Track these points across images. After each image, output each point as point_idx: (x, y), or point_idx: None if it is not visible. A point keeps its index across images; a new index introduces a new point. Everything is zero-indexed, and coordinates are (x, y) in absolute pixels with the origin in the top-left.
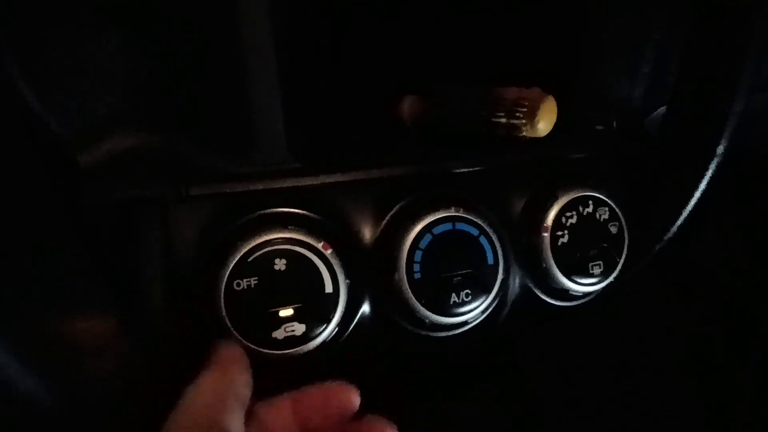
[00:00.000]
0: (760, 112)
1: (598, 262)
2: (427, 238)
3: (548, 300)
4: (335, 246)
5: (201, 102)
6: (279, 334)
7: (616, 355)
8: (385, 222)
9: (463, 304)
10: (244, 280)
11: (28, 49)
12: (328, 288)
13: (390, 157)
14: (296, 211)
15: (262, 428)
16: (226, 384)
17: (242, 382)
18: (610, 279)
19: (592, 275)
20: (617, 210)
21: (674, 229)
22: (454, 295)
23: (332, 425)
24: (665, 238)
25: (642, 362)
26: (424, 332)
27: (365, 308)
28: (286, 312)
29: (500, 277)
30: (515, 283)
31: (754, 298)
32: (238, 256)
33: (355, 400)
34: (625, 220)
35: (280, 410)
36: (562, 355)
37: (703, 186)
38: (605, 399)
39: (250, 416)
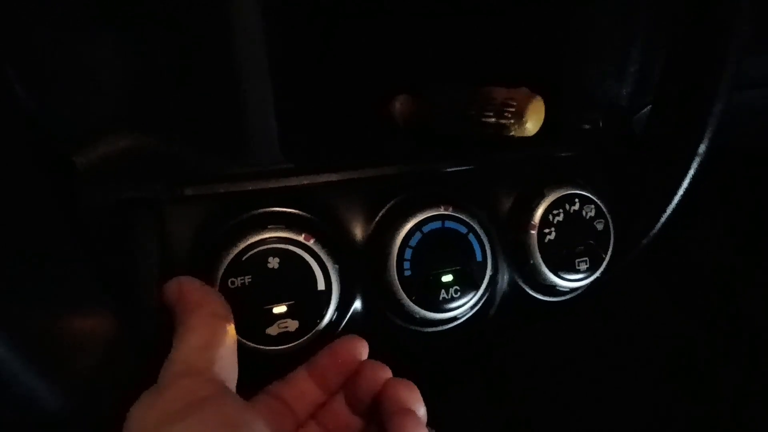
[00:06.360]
0: (748, 110)
1: (584, 259)
2: (417, 236)
3: (536, 295)
4: (327, 244)
5: (194, 103)
6: (272, 330)
7: (603, 356)
8: (376, 220)
9: (453, 300)
10: (239, 279)
11: (24, 51)
12: (321, 285)
13: (381, 157)
14: (289, 210)
15: (284, 407)
16: (216, 333)
17: (230, 332)
18: (596, 275)
19: (578, 271)
20: (603, 207)
21: (659, 226)
22: (443, 291)
23: (348, 377)
24: (650, 235)
25: (628, 363)
26: (414, 328)
27: (357, 305)
28: (279, 309)
29: (488, 273)
30: (503, 279)
31: (740, 296)
32: (232, 255)
33: (361, 346)
34: (611, 218)
35: (298, 383)
36: (549, 357)
37: (686, 184)
38: (592, 400)
39: (269, 397)
